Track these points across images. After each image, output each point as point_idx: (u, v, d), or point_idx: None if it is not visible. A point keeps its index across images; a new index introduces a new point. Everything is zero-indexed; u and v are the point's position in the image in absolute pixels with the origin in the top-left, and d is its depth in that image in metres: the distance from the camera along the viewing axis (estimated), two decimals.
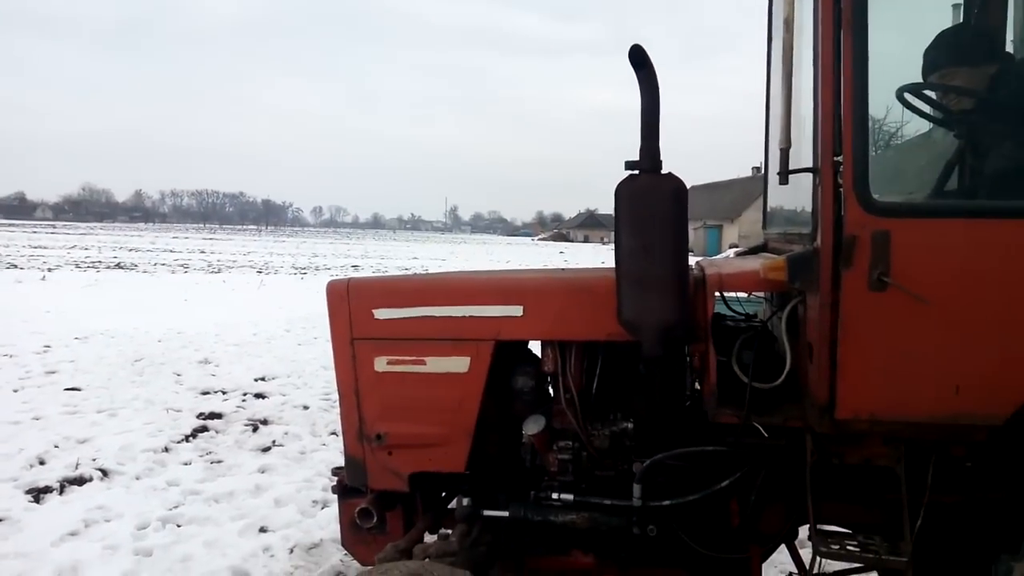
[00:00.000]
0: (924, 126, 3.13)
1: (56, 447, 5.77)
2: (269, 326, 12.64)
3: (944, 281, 2.14)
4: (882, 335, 2.16)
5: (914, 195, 2.95)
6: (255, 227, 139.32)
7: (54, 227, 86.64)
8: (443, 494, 3.11)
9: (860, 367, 2.18)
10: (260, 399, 7.63)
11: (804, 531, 2.64)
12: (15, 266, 25.22)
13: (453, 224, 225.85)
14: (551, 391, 2.87)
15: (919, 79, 2.83)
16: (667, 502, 2.58)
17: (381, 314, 2.85)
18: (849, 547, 2.37)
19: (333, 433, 6.40)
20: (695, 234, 60.16)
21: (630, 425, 2.72)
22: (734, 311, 3.09)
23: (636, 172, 2.35)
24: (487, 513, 2.77)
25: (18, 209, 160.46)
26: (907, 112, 2.86)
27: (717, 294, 2.56)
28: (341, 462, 3.04)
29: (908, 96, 2.76)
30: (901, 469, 2.36)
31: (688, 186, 2.38)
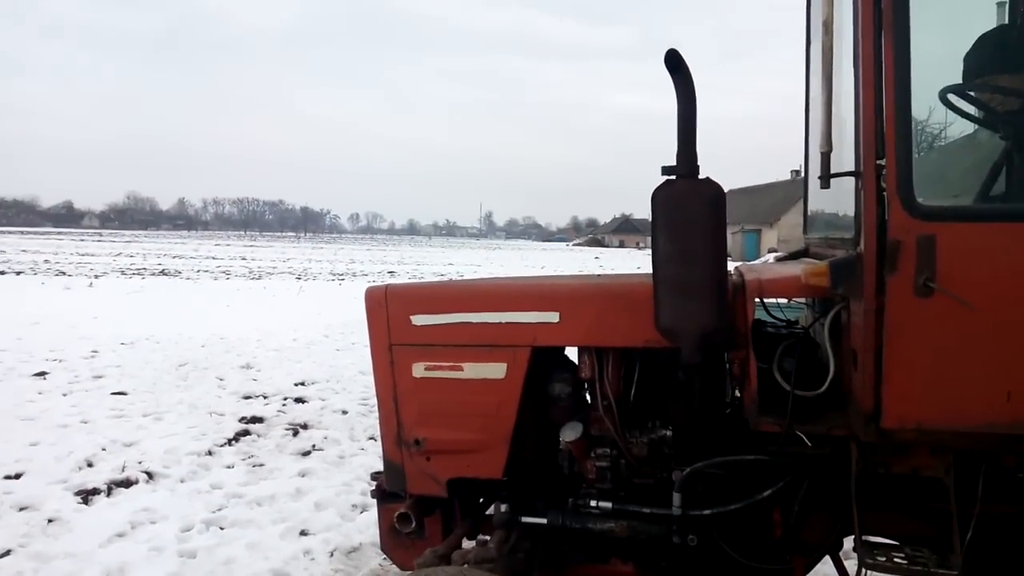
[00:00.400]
0: (968, 128, 3.06)
1: (103, 450, 5.91)
2: (308, 332, 12.80)
3: (992, 286, 2.08)
4: (929, 342, 2.11)
5: (960, 198, 2.88)
6: (294, 234, 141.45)
7: (100, 235, 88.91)
8: (481, 500, 3.12)
9: (906, 374, 2.14)
10: (300, 404, 7.73)
11: (849, 542, 2.59)
12: (64, 273, 25.94)
13: (488, 230, 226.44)
14: (588, 398, 2.87)
15: (962, 80, 2.77)
16: (708, 511, 2.55)
17: (419, 320, 2.87)
18: (896, 559, 2.32)
19: (372, 438, 6.45)
20: (733, 238, 59.44)
21: (669, 433, 2.70)
22: (775, 317, 3.05)
23: (673, 177, 2.34)
24: (525, 520, 2.77)
25: (66, 217, 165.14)
26: (951, 114, 2.80)
27: (757, 300, 2.53)
28: (380, 467, 3.07)
29: (952, 98, 2.70)
30: (950, 480, 2.30)
31: (726, 190, 2.36)
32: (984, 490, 2.31)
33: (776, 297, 2.73)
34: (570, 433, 2.69)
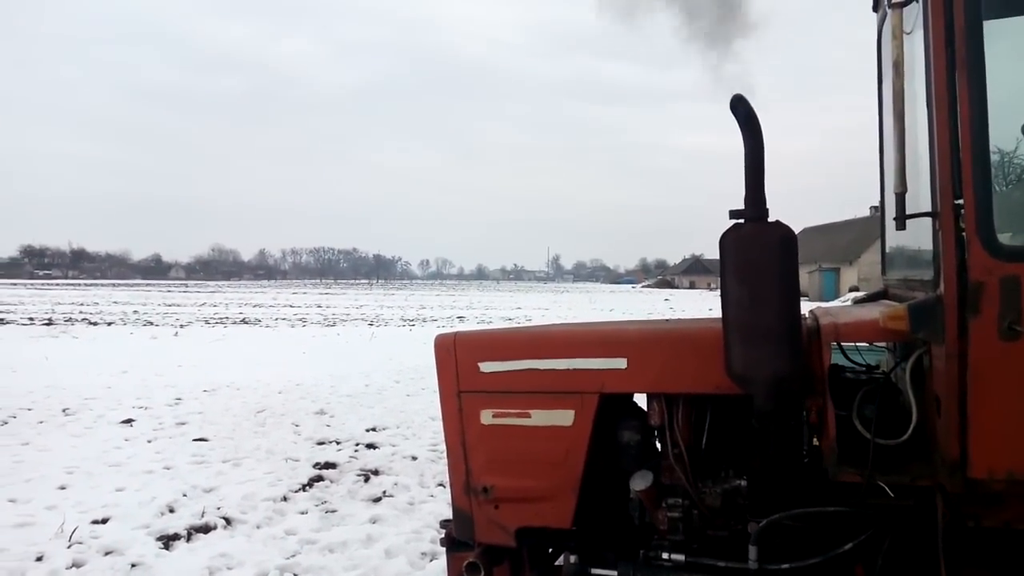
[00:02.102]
0: None
1: (184, 496, 6.10)
2: (379, 377, 13.01)
3: None
4: (1016, 387, 2.01)
5: None
6: (367, 281, 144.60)
7: (187, 286, 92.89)
8: (550, 550, 3.07)
9: (993, 421, 2.03)
10: (371, 449, 7.82)
11: None
12: (151, 323, 27.16)
13: (555, 273, 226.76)
14: (659, 446, 2.81)
15: None
16: (786, 566, 2.45)
17: (487, 367, 2.89)
18: None
19: (440, 484, 6.46)
20: (810, 278, 57.92)
21: (743, 483, 2.62)
22: (853, 362, 2.95)
23: (741, 221, 2.31)
24: (595, 572, 2.72)
25: (154, 270, 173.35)
26: None
27: (834, 344, 2.45)
28: (449, 514, 3.07)
29: None
30: None
31: (802, 227, 2.33)
32: None
33: (853, 341, 2.64)
34: (640, 482, 2.64)
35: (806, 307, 2.81)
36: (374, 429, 8.79)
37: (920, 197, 2.37)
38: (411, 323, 28.90)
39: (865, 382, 2.55)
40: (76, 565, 4.74)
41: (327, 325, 27.48)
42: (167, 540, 5.20)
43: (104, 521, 5.51)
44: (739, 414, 2.63)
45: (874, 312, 2.40)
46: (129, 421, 9.12)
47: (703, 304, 43.07)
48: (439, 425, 3.20)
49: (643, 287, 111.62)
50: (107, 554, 4.92)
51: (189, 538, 5.28)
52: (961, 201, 2.07)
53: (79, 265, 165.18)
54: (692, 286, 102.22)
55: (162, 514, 5.68)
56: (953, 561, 2.25)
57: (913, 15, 2.34)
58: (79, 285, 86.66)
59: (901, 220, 2.26)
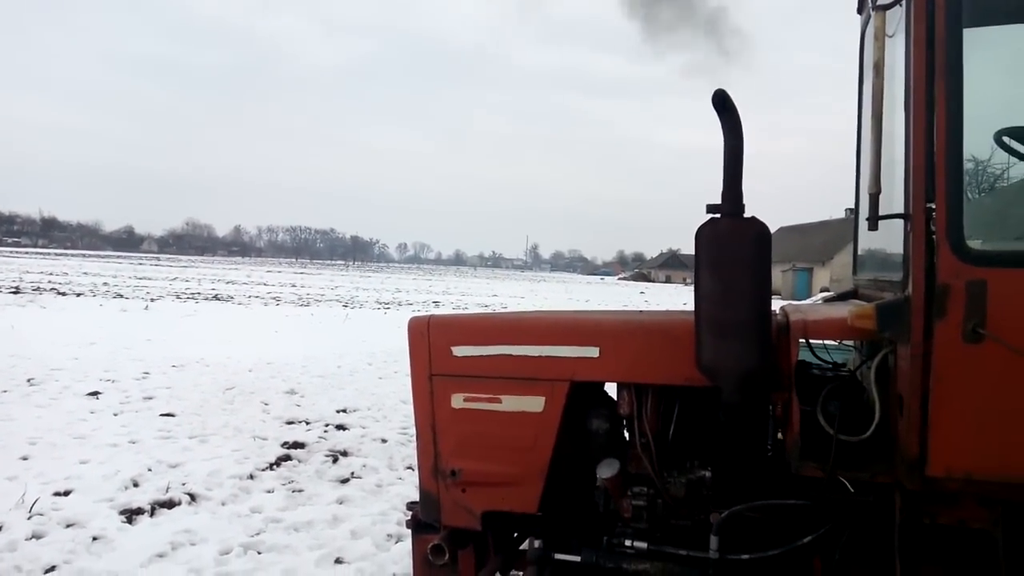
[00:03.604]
0: None
1: (149, 470, 6.04)
2: (352, 359, 12.95)
3: None
4: (977, 389, 2.05)
5: (1015, 242, 2.80)
6: (343, 262, 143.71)
7: (158, 260, 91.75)
8: (515, 535, 3.09)
9: (953, 422, 2.07)
10: (341, 431, 7.80)
11: None
12: (121, 296, 26.78)
13: (533, 262, 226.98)
14: (627, 435, 2.84)
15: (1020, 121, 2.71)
16: (746, 556, 2.49)
17: (459, 351, 2.88)
18: None
19: (409, 467, 6.47)
20: (784, 277, 58.53)
21: (708, 474, 2.65)
22: (821, 359, 2.99)
23: (718, 215, 2.33)
24: (559, 557, 2.73)
25: (126, 242, 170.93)
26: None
27: (802, 341, 2.49)
28: (416, 497, 3.07)
29: (1008, 140, 2.64)
30: (999, 533, 2.21)
31: (778, 227, 2.35)
32: None
33: (821, 339, 2.67)
34: (606, 470, 2.67)
35: (777, 304, 2.84)
36: (344, 410, 8.76)
37: (894, 199, 2.40)
38: (386, 306, 28.79)
39: (831, 379, 2.58)
40: (36, 536, 4.68)
41: (301, 305, 27.28)
42: (130, 514, 5.15)
43: (66, 493, 5.44)
44: (707, 406, 2.66)
45: (842, 310, 2.43)
46: (95, 394, 9.00)
47: (678, 298, 43.40)
48: (410, 408, 3.20)
49: (620, 279, 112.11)
50: (68, 526, 4.86)
51: (152, 513, 5.23)
52: (933, 204, 2.10)
53: (49, 234, 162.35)
54: (668, 280, 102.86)
55: (126, 488, 5.62)
56: (909, 557, 2.30)
57: (896, 18, 2.37)
58: (48, 254, 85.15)
59: (874, 220, 2.29)
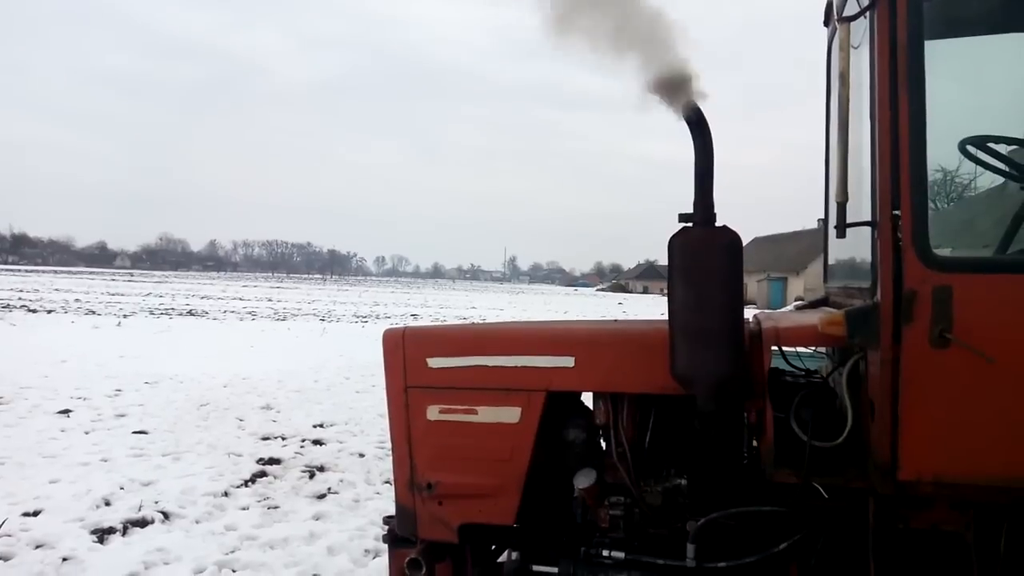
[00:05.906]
0: (999, 179, 3.04)
1: (121, 488, 5.93)
2: (329, 374, 12.85)
3: (1010, 337, 2.05)
4: (945, 393, 2.08)
5: (983, 250, 2.86)
6: (320, 276, 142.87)
7: (132, 275, 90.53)
8: (492, 547, 3.07)
9: (923, 426, 2.10)
10: (318, 446, 7.72)
11: None
12: (93, 312, 26.38)
13: (511, 274, 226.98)
14: (603, 444, 2.84)
15: (987, 131, 2.77)
16: (722, 564, 2.50)
17: (434, 363, 2.87)
18: None
19: (387, 482, 6.41)
20: (759, 286, 59.07)
21: (684, 482, 2.66)
22: (793, 366, 3.02)
23: (690, 224, 2.35)
24: (536, 568, 2.73)
25: (99, 257, 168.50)
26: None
27: (775, 349, 2.51)
28: (393, 511, 3.05)
29: (971, 149, 2.70)
30: (971, 536, 2.24)
31: (753, 238, 2.37)
32: (1007, 548, 2.24)
33: (793, 346, 2.70)
34: (583, 480, 2.66)
35: (749, 313, 2.86)
36: (321, 425, 8.68)
37: (862, 207, 2.44)
38: (364, 320, 28.62)
39: (803, 386, 2.61)
40: (3, 558, 4.57)
41: (277, 319, 27.05)
42: (102, 534, 5.05)
43: (35, 513, 5.32)
44: (682, 415, 2.67)
45: (813, 318, 2.46)
46: (66, 411, 8.84)
47: (655, 309, 43.56)
48: (387, 423, 3.18)
49: (598, 290, 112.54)
50: (38, 547, 4.75)
51: (125, 532, 5.14)
52: (898, 211, 2.13)
53: (19, 250, 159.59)
54: (646, 291, 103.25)
55: (97, 507, 5.51)
56: (883, 562, 2.32)
57: (861, 30, 2.41)
58: (19, 271, 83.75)
59: (841, 228, 2.32)
